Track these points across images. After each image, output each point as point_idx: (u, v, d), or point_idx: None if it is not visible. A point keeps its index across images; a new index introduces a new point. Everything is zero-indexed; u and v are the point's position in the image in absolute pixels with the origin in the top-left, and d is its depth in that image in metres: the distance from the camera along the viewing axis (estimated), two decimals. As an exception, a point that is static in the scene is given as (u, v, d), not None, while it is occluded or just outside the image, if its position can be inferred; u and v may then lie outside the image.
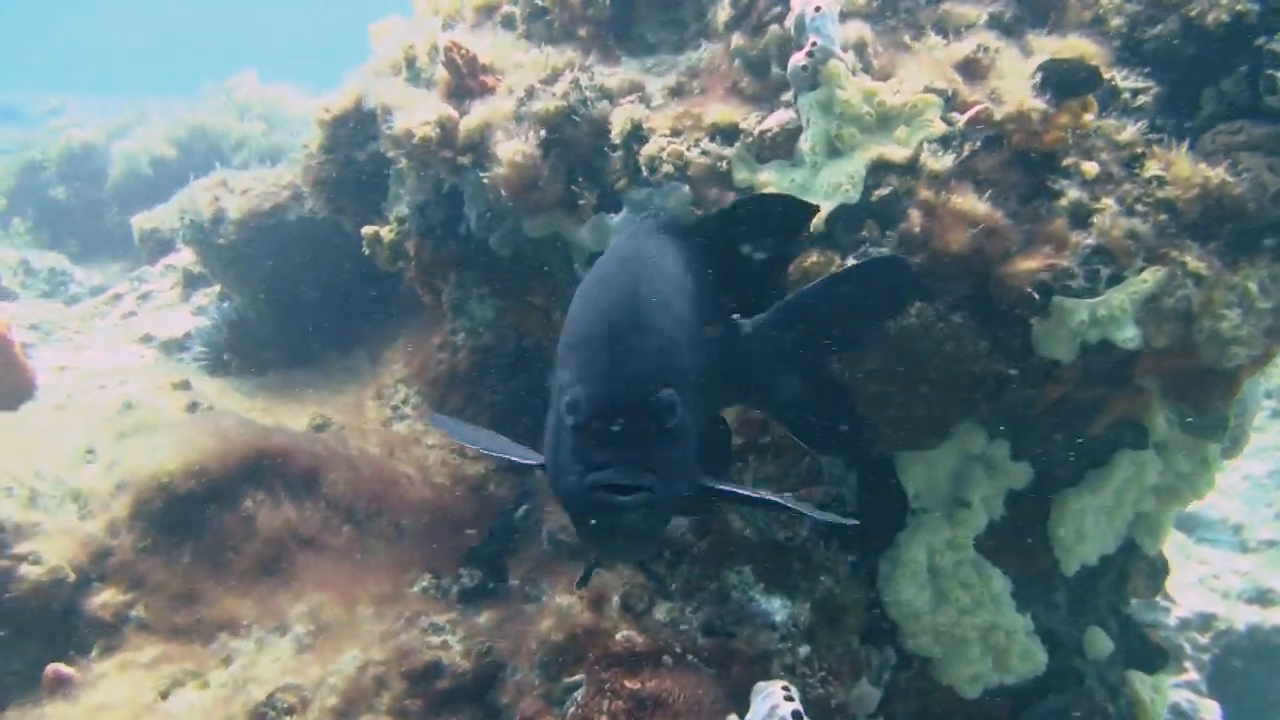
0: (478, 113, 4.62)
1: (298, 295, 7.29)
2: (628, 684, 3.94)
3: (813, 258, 4.01)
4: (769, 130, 4.20)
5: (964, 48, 4.19)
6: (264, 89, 14.02)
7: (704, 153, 4.25)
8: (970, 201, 3.92)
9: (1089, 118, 4.00)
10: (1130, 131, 4.03)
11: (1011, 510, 4.69)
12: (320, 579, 4.99)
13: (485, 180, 4.56)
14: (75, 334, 9.31)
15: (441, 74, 4.79)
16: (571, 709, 4.02)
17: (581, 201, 4.48)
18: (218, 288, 8.22)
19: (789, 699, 3.62)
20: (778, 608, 4.31)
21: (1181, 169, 3.92)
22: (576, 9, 4.84)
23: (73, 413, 6.19)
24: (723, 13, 4.57)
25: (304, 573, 5.03)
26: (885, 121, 4.10)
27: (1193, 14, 4.07)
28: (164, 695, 4.54)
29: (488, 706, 4.44)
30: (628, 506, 2.53)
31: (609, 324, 2.72)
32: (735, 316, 3.63)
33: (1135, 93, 4.12)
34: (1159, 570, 5.47)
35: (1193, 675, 7.92)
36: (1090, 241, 3.91)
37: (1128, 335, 3.92)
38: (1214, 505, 9.32)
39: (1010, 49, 4.19)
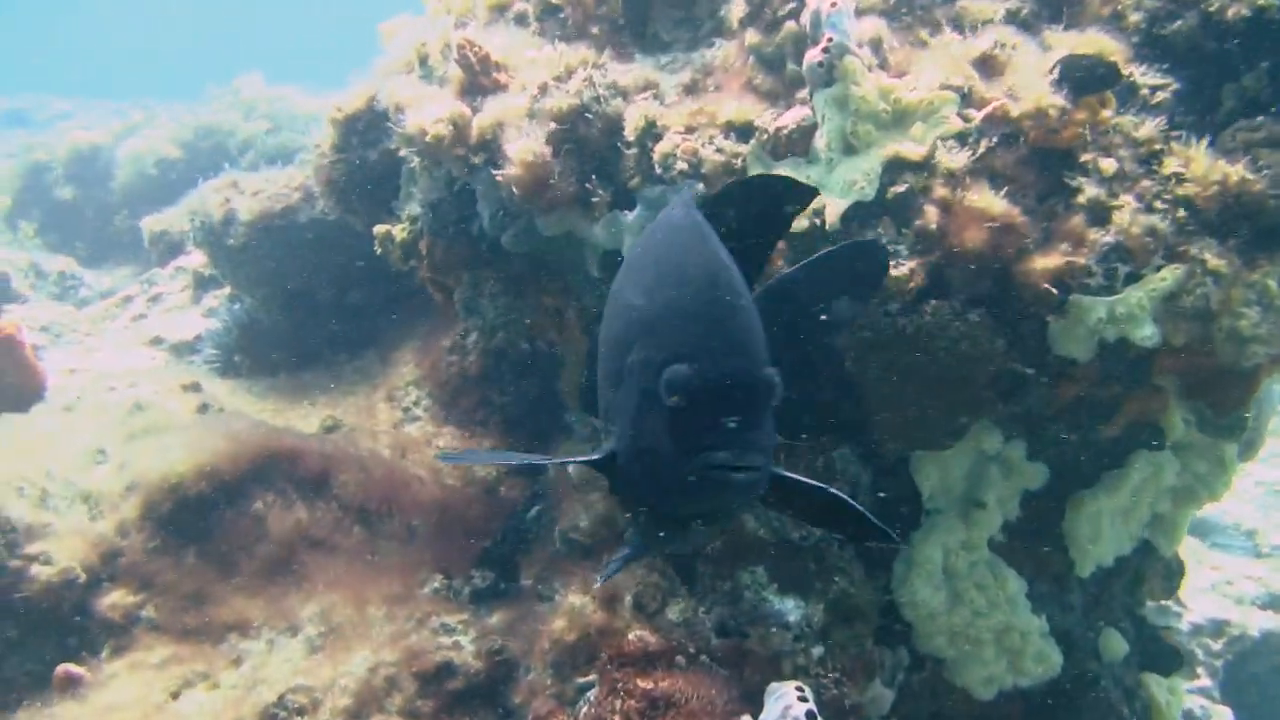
0: (490, 110, 4.61)
1: (309, 297, 7.27)
2: (641, 684, 3.91)
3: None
4: (784, 127, 4.17)
5: (980, 44, 4.17)
6: (268, 89, 14.03)
7: (719, 150, 4.23)
8: (987, 198, 3.89)
9: (1107, 114, 3.98)
10: (1149, 128, 4.00)
11: (1027, 511, 4.67)
12: (331, 580, 4.97)
13: (498, 179, 4.54)
14: (86, 336, 9.32)
15: (454, 72, 4.77)
16: (584, 709, 3.99)
17: (595, 199, 4.46)
18: (228, 290, 8.21)
19: (803, 699, 3.59)
20: (791, 608, 4.29)
21: (1201, 166, 3.88)
22: (590, 7, 4.82)
23: (83, 414, 6.18)
24: (737, 9, 4.56)
25: (315, 574, 5.01)
26: (901, 118, 4.07)
27: (1213, 9, 4.04)
28: (174, 696, 4.52)
29: (500, 707, 4.42)
30: (745, 486, 2.38)
31: (709, 298, 2.51)
32: None
33: (1154, 89, 4.08)
34: (1174, 572, 5.44)
35: (1206, 681, 7.87)
36: (1108, 239, 3.88)
37: (1146, 333, 3.89)
38: (1227, 511, 9.27)
39: (1027, 45, 4.17)
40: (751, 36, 4.45)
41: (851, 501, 2.88)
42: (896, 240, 3.97)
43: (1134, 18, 4.20)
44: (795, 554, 4.38)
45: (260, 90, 13.93)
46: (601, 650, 4.13)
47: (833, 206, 4.01)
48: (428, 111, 4.74)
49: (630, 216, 4.40)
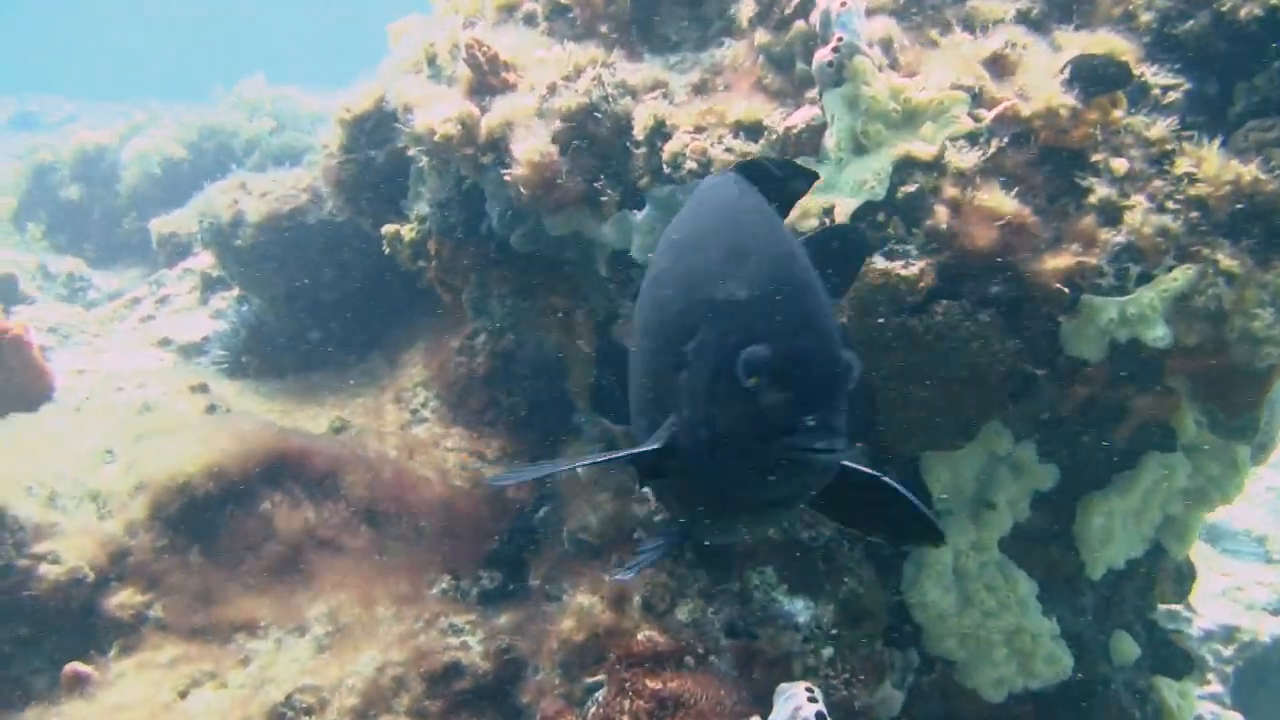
0: (499, 110, 4.60)
1: (316, 298, 7.27)
2: (649, 684, 3.90)
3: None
4: (794, 127, 4.16)
5: (991, 44, 4.16)
6: (272, 89, 14.07)
7: (728, 149, 4.22)
8: (997, 198, 3.88)
9: (1118, 114, 3.97)
10: (1160, 128, 3.99)
11: (1037, 512, 4.64)
12: (339, 580, 4.97)
13: (506, 178, 4.54)
14: (94, 337, 9.31)
15: (463, 71, 4.77)
16: (593, 709, 3.98)
17: (604, 199, 4.45)
18: (236, 291, 8.22)
19: (813, 700, 3.56)
20: (801, 609, 4.27)
21: (1213, 166, 3.88)
22: (599, 6, 4.82)
23: (91, 414, 6.19)
24: (746, 9, 4.55)
25: (322, 573, 5.01)
26: (911, 118, 4.06)
27: (1225, 8, 4.03)
28: (182, 695, 4.52)
29: (508, 707, 4.41)
30: (827, 469, 2.30)
31: (785, 277, 2.40)
32: None
33: (1166, 89, 4.08)
34: (1186, 575, 5.41)
35: (1217, 687, 7.84)
36: (1120, 239, 3.87)
37: (1158, 334, 3.88)
38: (1238, 516, 9.23)
39: (1038, 45, 4.16)
40: (761, 36, 4.44)
41: (906, 493, 2.72)
42: (906, 240, 3.96)
43: (1145, 18, 4.19)
44: (805, 554, 4.36)
45: (263, 90, 13.97)
46: (610, 650, 4.12)
47: (842, 206, 3.99)
48: (436, 111, 4.73)
49: (639, 216, 4.39)
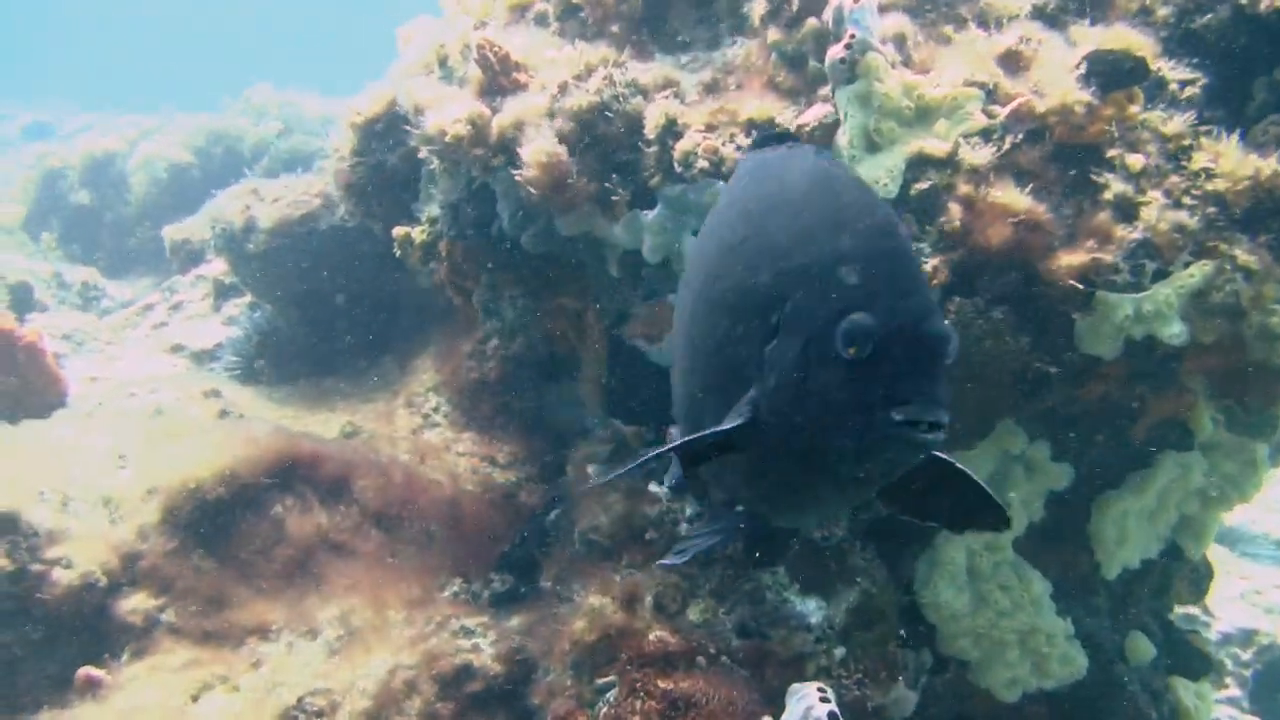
0: (510, 110, 4.59)
1: (329, 303, 7.28)
2: (661, 684, 3.88)
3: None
4: (806, 125, 4.15)
5: (1006, 40, 4.13)
6: (278, 94, 14.15)
7: (740, 148, 4.20)
8: (1011, 195, 3.86)
9: (1134, 110, 3.94)
10: (1177, 123, 3.96)
11: (1052, 512, 4.61)
12: (350, 583, 4.95)
13: (517, 179, 4.52)
14: (107, 344, 9.32)
15: (474, 72, 4.77)
16: (604, 709, 3.95)
17: (615, 199, 4.43)
18: (248, 298, 8.23)
19: (825, 700, 3.53)
20: (813, 609, 4.24)
21: (1231, 161, 3.84)
22: (610, 6, 4.81)
23: (104, 420, 6.19)
24: (758, 7, 4.53)
25: (334, 577, 4.99)
26: (925, 115, 4.04)
27: (1244, 1, 4.00)
28: (194, 698, 4.50)
29: (519, 708, 4.38)
30: (930, 444, 2.21)
31: (882, 244, 2.32)
32: None
33: (1183, 84, 4.05)
34: (1203, 576, 5.37)
35: (1235, 691, 7.79)
36: (1136, 235, 3.84)
37: (1174, 331, 3.84)
38: (1256, 520, 9.18)
39: (1053, 40, 4.13)
40: (773, 34, 4.43)
41: (973, 475, 2.62)
42: (920, 237, 3.94)
43: (1162, 12, 4.16)
44: (817, 554, 4.33)
45: (270, 95, 14.06)
46: (621, 651, 4.09)
47: (855, 203, 3.97)
48: (447, 112, 4.72)
49: (650, 215, 4.37)
